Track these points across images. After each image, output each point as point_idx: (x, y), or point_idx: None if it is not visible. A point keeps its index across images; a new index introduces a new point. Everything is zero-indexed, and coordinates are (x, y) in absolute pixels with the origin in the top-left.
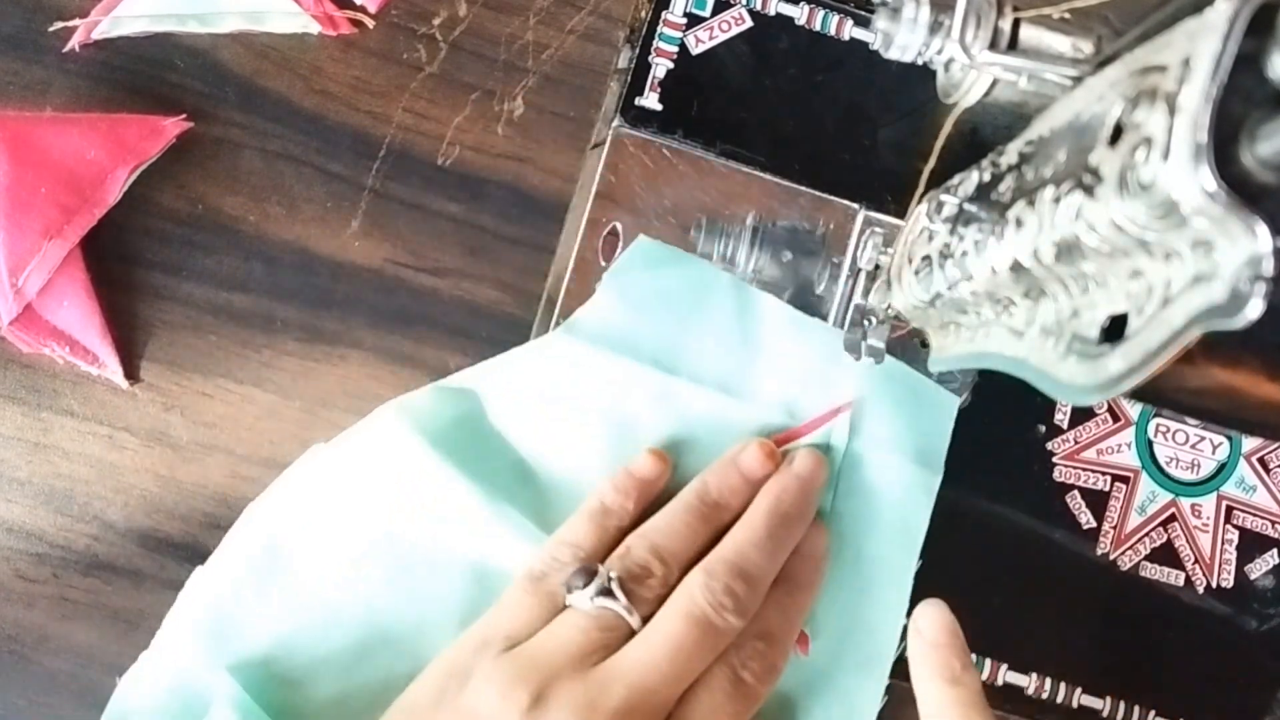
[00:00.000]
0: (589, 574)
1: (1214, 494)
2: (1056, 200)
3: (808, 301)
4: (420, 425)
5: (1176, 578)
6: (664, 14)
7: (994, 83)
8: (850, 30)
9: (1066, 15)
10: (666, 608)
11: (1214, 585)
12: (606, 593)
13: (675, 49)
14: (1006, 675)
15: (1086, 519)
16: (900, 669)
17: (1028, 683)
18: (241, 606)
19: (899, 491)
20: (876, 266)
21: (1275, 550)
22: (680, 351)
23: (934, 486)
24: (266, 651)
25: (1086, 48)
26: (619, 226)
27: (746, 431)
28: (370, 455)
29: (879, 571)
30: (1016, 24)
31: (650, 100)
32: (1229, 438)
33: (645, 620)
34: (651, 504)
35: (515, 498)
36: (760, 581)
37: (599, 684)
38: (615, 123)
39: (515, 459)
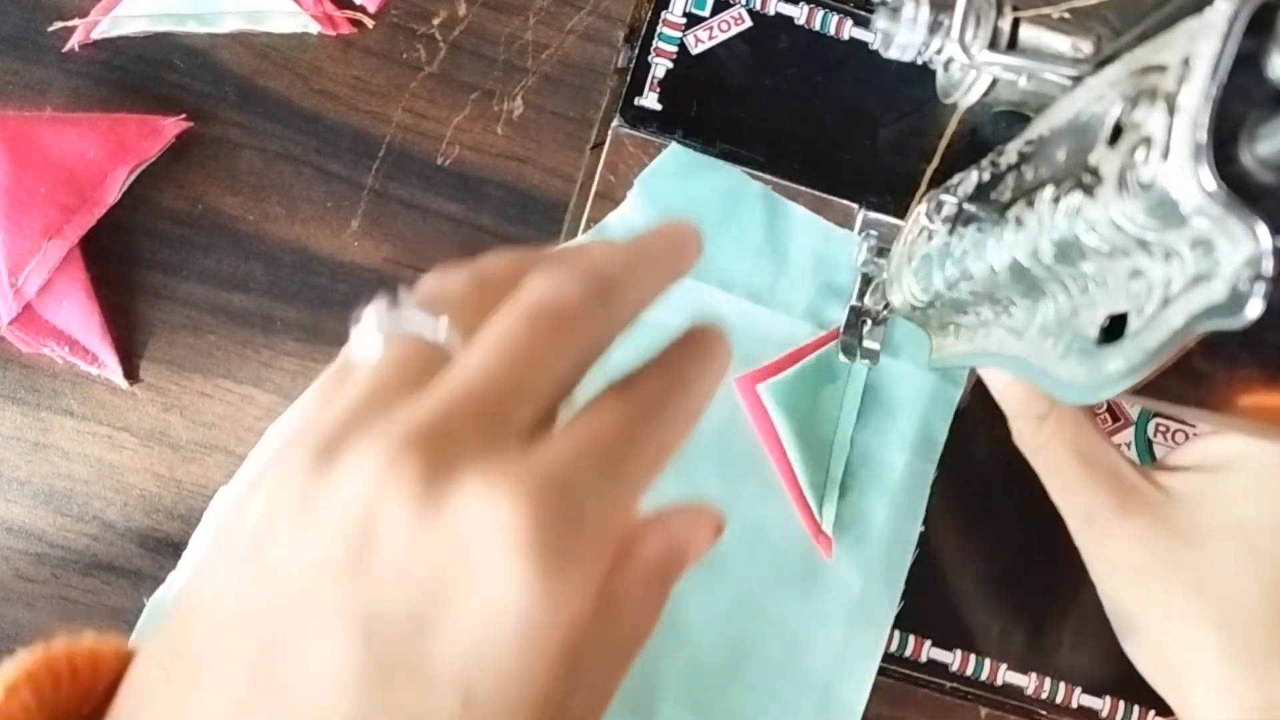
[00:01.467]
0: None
1: None
2: (1056, 200)
3: None
4: None
5: None
6: (664, 14)
7: (994, 82)
8: (850, 30)
9: (1066, 15)
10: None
11: None
12: (394, 318)
13: (675, 49)
14: (1006, 675)
15: None
16: (902, 663)
17: (1027, 682)
18: None
19: (921, 403)
20: (875, 266)
21: None
22: (709, 258)
23: (955, 399)
24: None
25: (1086, 47)
26: None
27: (773, 338)
28: None
29: (900, 480)
30: (1016, 24)
31: (650, 100)
32: None
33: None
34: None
35: None
36: (610, 274)
37: (408, 406)
38: (615, 123)
39: None
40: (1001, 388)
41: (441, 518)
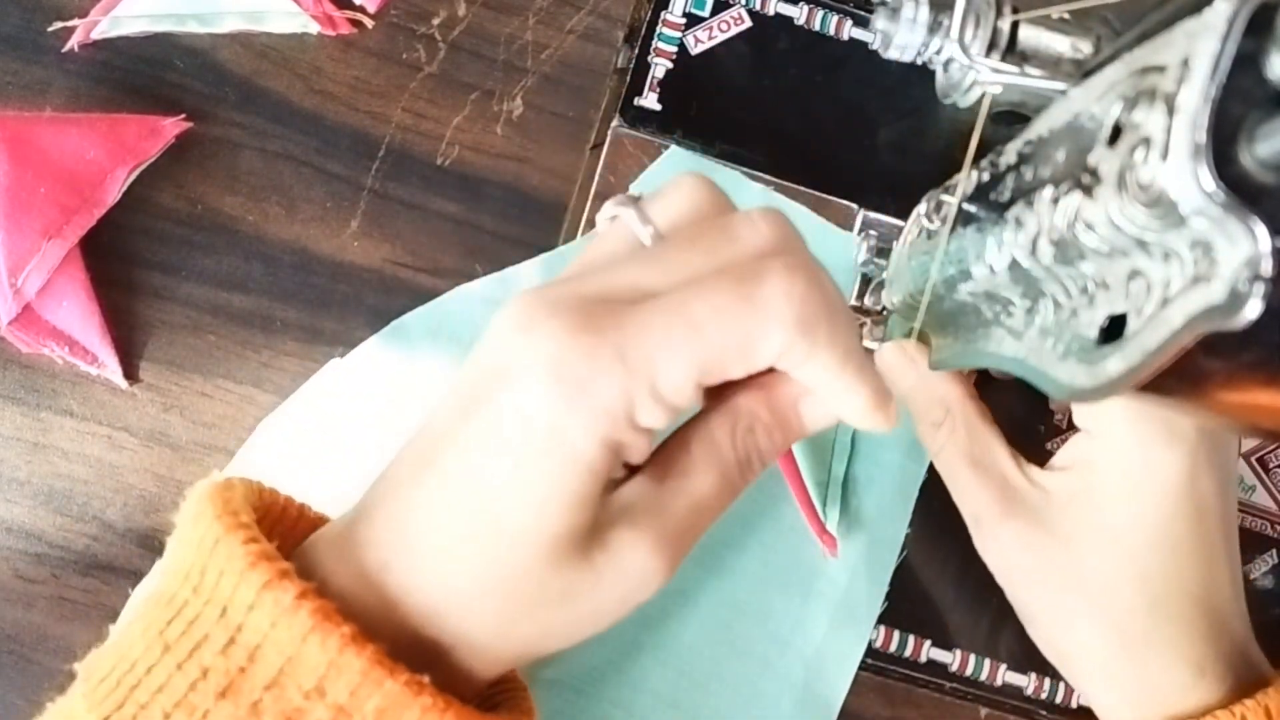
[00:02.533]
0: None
1: None
2: (1055, 200)
3: None
4: (434, 335)
5: None
6: (663, 14)
7: None
8: (849, 30)
9: (1066, 16)
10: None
11: None
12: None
13: (674, 49)
14: (1006, 675)
15: None
16: (902, 663)
17: (1026, 682)
18: None
19: None
20: (875, 266)
21: (1274, 550)
22: None
23: None
24: None
25: (1086, 48)
26: None
27: None
28: (384, 367)
29: (891, 481)
30: (1015, 24)
31: (649, 100)
32: None
33: None
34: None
35: None
36: None
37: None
38: (614, 123)
39: None
40: (905, 390)
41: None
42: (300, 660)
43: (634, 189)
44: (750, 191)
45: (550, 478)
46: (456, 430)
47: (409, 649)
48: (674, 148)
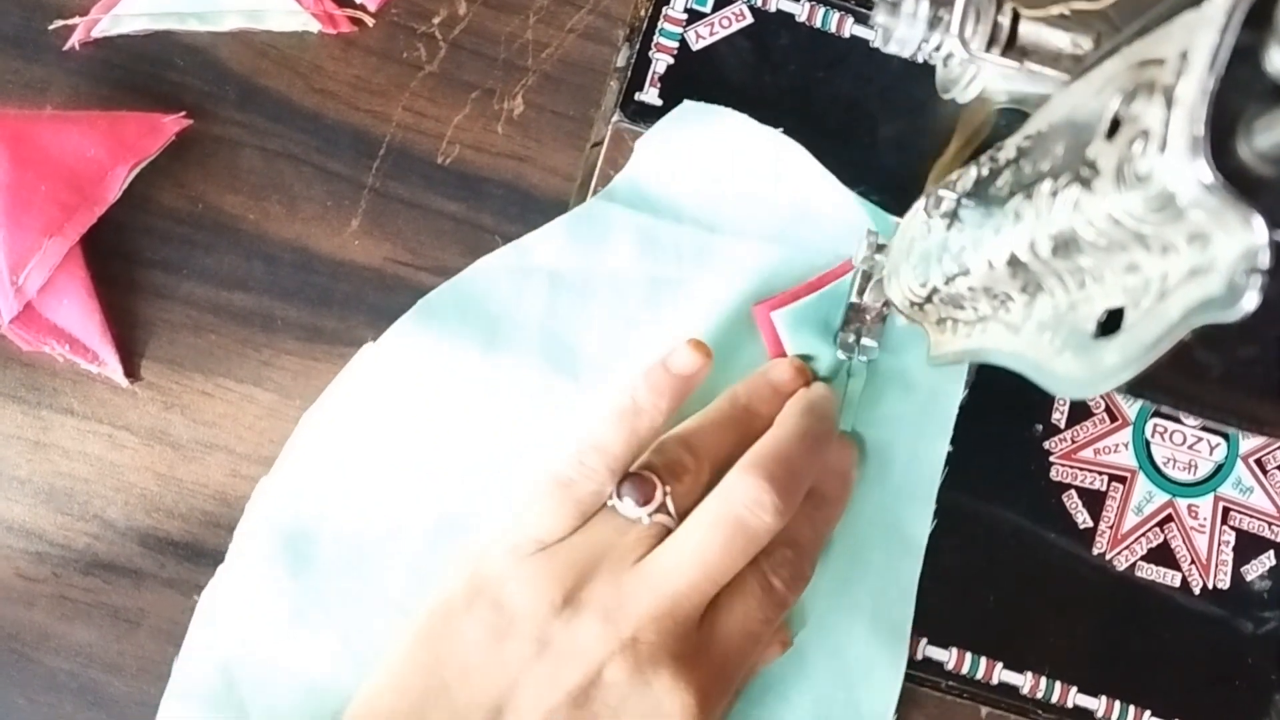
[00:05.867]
0: (645, 487)
1: (1211, 495)
2: (1054, 194)
3: None
4: (463, 311)
5: (1173, 578)
6: (665, 9)
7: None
8: (851, 27)
9: (1066, 11)
10: (701, 509)
11: (1210, 586)
12: (662, 509)
13: (676, 44)
14: (1002, 674)
15: (1083, 519)
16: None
17: (1023, 682)
18: (311, 510)
19: (930, 385)
20: (874, 262)
21: (1272, 551)
22: (719, 206)
23: (960, 383)
24: (338, 554)
25: (1086, 43)
26: None
27: (790, 272)
28: (418, 348)
29: (912, 453)
30: (1015, 19)
31: (650, 95)
32: (1226, 438)
33: (679, 519)
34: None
35: (561, 370)
36: (795, 481)
37: (632, 585)
38: (615, 118)
39: (558, 332)
40: None
41: (646, 692)
42: None
43: (640, 141)
44: (758, 135)
45: None
46: None
47: None
48: (686, 102)
